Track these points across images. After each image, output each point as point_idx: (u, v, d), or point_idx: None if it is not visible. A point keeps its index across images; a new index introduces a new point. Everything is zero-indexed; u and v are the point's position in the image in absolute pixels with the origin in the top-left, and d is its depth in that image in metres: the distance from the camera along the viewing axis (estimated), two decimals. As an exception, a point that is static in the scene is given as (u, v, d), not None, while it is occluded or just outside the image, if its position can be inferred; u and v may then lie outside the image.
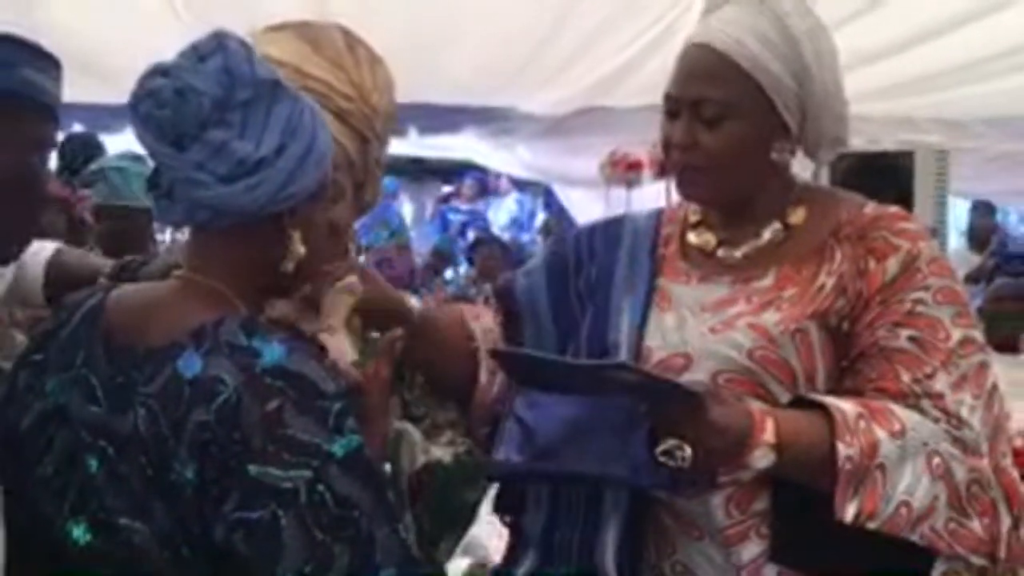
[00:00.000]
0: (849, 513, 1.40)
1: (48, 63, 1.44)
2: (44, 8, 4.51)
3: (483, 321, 1.71)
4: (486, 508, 1.83)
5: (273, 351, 1.26)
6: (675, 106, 1.57)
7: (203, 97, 1.28)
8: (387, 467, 1.47)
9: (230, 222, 1.32)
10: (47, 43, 1.46)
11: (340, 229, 1.60)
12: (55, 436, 1.34)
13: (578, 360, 1.57)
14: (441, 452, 1.66)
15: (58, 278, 1.90)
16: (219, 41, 1.32)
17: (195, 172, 1.28)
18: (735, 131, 1.54)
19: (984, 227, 8.32)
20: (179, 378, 1.25)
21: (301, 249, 1.35)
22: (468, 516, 1.70)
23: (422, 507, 1.62)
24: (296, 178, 1.32)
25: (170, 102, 1.28)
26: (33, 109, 1.43)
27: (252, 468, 1.21)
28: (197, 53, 1.31)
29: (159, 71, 1.31)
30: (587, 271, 1.70)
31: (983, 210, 8.42)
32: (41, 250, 1.91)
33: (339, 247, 1.63)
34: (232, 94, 1.29)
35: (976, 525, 1.45)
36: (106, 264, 1.90)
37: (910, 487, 1.42)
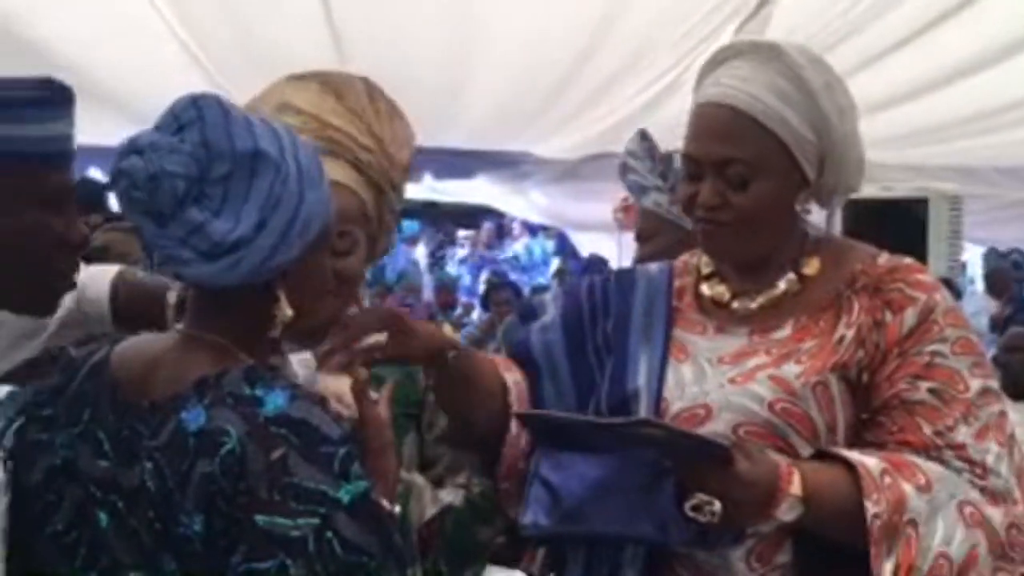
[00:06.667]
0: (887, 572, 1.39)
1: (72, 109, 1.41)
2: (63, 58, 4.56)
3: (513, 373, 1.69)
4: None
5: (276, 399, 1.25)
6: (697, 167, 1.55)
7: (176, 180, 1.25)
8: (396, 509, 1.45)
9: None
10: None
11: (352, 280, 1.60)
12: (64, 492, 1.32)
13: (602, 419, 1.55)
14: (451, 496, 1.66)
15: (127, 296, 1.80)
16: (198, 109, 1.28)
17: (178, 248, 1.28)
18: (764, 190, 1.52)
19: (1000, 273, 8.24)
20: (184, 431, 1.24)
21: (288, 312, 1.33)
22: (483, 555, 1.69)
23: (436, 551, 1.62)
24: (279, 251, 1.30)
25: (143, 186, 1.26)
26: (64, 161, 1.40)
27: (259, 518, 1.20)
28: (176, 122, 1.28)
29: (134, 148, 1.27)
30: (603, 324, 1.69)
31: (997, 255, 8.37)
32: (103, 272, 1.83)
33: (350, 297, 1.63)
34: (210, 170, 1.27)
35: None
36: (173, 282, 1.74)
37: (946, 538, 1.41)
